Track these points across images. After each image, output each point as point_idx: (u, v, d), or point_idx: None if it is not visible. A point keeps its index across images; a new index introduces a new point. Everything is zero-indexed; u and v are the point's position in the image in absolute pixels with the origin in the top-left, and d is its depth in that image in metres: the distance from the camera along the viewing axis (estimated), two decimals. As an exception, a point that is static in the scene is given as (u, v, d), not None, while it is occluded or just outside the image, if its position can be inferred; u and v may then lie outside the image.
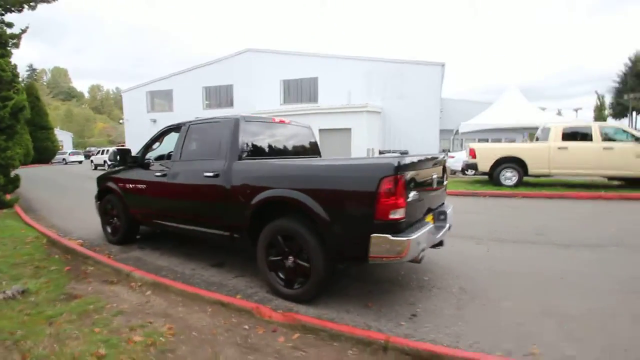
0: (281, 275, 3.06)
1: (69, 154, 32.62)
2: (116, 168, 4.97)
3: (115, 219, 4.85)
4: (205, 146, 3.84)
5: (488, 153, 9.38)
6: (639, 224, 5.73)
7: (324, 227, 2.68)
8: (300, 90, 19.66)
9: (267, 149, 3.84)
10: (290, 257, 2.96)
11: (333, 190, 2.64)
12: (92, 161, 23.01)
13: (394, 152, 17.37)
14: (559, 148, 8.74)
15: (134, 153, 4.64)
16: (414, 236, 2.48)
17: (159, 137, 4.52)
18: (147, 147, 4.53)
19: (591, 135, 8.63)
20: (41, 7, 7.69)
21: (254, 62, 20.33)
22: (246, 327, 2.49)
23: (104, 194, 5.00)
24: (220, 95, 21.95)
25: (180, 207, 3.90)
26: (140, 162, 4.46)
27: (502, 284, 3.35)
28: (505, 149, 9.31)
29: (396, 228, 2.47)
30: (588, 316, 2.70)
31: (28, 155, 7.82)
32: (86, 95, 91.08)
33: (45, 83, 78.71)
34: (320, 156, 4.81)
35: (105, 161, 20.64)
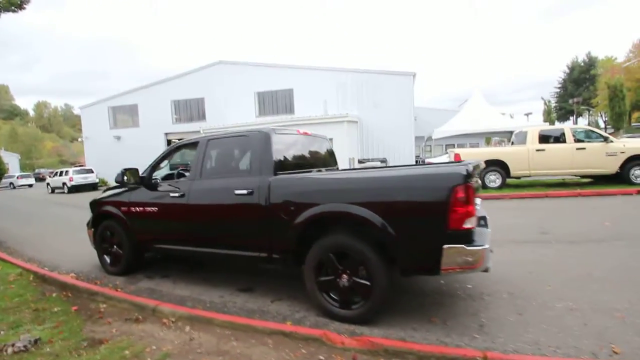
0: (334, 296, 2.87)
1: (17, 177, 29.64)
2: (114, 190, 4.50)
3: (115, 247, 4.36)
4: (231, 162, 3.59)
5: (472, 157, 9.75)
6: (627, 217, 6.17)
7: (389, 241, 2.56)
8: (275, 102, 19.45)
9: (296, 162, 3.65)
10: (344, 276, 2.79)
11: (399, 202, 2.53)
12: (48, 184, 20.99)
13: (373, 160, 17.64)
14: (537, 150, 9.31)
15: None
16: (488, 244, 2.43)
17: (168, 154, 4.17)
18: (155, 166, 4.15)
19: (565, 137, 9.30)
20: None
21: (226, 75, 19.86)
22: (321, 357, 2.27)
23: (100, 220, 4.50)
24: (191, 109, 21.13)
25: (205, 230, 3.57)
26: (147, 182, 4.06)
27: (542, 284, 3.39)
28: (489, 152, 9.76)
29: (469, 237, 2.41)
30: (636, 308, 2.78)
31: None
32: (31, 113, 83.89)
33: (-18, 101, 71.63)
34: (338, 166, 4.69)
35: (64, 183, 18.94)
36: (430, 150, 30.69)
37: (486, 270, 2.56)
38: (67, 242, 6.44)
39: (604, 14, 79.62)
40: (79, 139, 27.69)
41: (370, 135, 18.23)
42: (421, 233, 2.49)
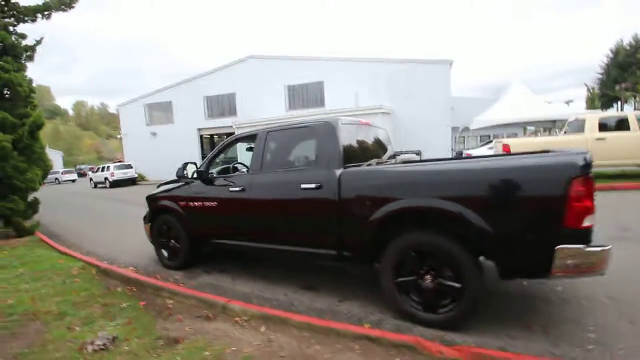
0: (415, 298, 2.65)
1: (62, 172, 31.47)
2: (170, 185, 4.48)
3: (172, 241, 4.35)
4: (295, 155, 3.43)
5: (524, 148, 9.12)
6: None
7: (486, 241, 2.29)
8: (306, 95, 19.27)
9: (360, 154, 3.44)
10: (428, 277, 2.56)
11: (501, 196, 2.25)
12: (91, 179, 22.13)
13: (406, 152, 17.10)
14: (597, 139, 8.55)
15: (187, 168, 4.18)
16: (610, 245, 2.11)
17: (225, 148, 4.07)
18: (212, 160, 4.07)
19: (628, 125, 8.48)
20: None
21: (256, 69, 19.89)
22: (420, 368, 2.07)
23: (157, 214, 4.50)
24: (222, 104, 21.40)
25: (267, 225, 3.44)
26: (204, 176, 3.99)
27: (642, 288, 3.01)
28: (542, 142, 9.09)
29: (587, 237, 2.11)
30: None
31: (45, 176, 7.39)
32: (70, 112, 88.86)
33: (27, 102, 76.19)
34: (395, 157, 4.43)
35: (106, 178, 19.84)
36: (464, 142, 29.50)
37: (602, 274, 2.24)
38: (118, 235, 6.61)
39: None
40: (117, 136, 28.84)
41: (404, 127, 17.66)
42: (529, 232, 2.20)
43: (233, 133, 22.16)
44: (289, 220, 3.27)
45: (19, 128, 6.33)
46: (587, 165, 2.08)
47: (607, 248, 2.07)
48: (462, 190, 2.35)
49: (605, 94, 52.67)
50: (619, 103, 50.50)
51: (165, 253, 4.46)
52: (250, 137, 3.93)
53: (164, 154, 21.75)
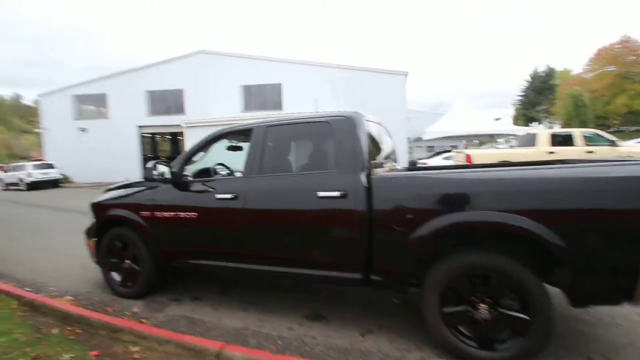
0: (466, 332, 2.22)
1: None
2: (125, 190, 3.54)
3: (128, 262, 3.41)
4: (304, 156, 2.82)
5: (484, 158, 9.49)
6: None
7: (566, 262, 1.94)
8: (263, 97, 18.38)
9: (375, 158, 2.95)
10: (484, 306, 2.14)
11: (583, 210, 1.92)
12: (1, 180, 18.49)
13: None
14: (548, 152, 9.21)
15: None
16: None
17: (205, 145, 3.27)
18: (187, 159, 3.25)
19: (574, 140, 9.30)
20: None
21: (208, 66, 18.48)
22: None
23: (106, 227, 3.51)
24: (168, 101, 19.44)
25: (269, 243, 2.76)
26: (178, 180, 3.17)
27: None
28: (501, 154, 9.55)
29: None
30: None
31: None
32: (-30, 101, 75.10)
33: None
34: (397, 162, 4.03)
35: (21, 179, 16.67)
36: (411, 152, 30.94)
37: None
38: (44, 252, 5.25)
39: (564, 27, 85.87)
40: (36, 131, 24.74)
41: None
42: (613, 251, 1.90)
43: (179, 133, 20.29)
44: (300, 236, 2.63)
45: None
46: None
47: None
48: (536, 203, 1.98)
49: (524, 114, 60.06)
50: (537, 123, 57.86)
51: (117, 277, 3.49)
52: (240, 133, 3.22)
53: (96, 154, 19.13)
